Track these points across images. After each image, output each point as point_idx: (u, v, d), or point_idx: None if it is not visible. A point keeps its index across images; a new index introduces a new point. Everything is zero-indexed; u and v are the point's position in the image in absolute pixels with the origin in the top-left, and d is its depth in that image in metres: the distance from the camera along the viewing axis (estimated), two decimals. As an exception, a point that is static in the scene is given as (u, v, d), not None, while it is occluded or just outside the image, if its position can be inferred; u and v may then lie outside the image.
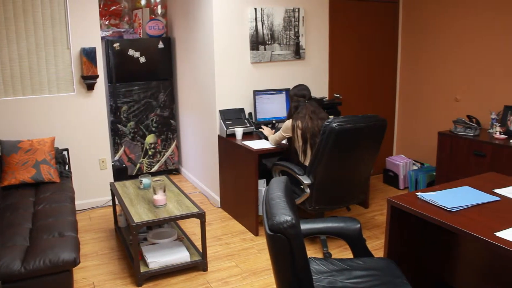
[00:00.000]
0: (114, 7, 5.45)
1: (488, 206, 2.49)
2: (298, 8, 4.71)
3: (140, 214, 3.33)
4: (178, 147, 5.86)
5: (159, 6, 5.65)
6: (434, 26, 5.08)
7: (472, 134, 4.24)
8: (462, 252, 2.79)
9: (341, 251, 3.77)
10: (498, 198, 2.59)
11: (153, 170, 5.70)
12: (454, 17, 4.84)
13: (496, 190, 2.72)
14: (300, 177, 3.56)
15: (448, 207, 2.42)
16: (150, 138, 5.59)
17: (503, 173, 3.46)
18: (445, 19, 4.94)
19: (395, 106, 5.74)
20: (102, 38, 5.18)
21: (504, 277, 2.55)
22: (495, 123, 4.26)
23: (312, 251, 3.79)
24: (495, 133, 4.17)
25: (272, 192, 1.95)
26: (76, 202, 4.57)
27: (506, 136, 4.10)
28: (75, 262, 2.76)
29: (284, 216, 1.71)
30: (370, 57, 5.43)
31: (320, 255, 3.71)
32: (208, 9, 4.41)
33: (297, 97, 3.80)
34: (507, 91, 4.40)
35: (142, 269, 3.30)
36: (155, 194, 3.48)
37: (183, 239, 3.78)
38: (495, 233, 2.13)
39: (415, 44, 5.36)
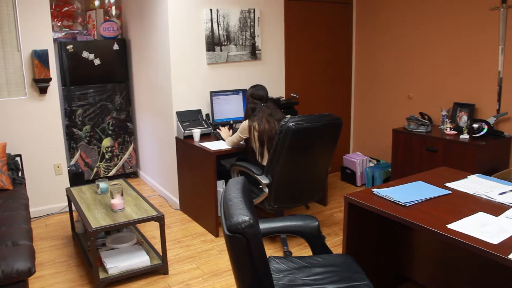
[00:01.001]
0: (66, 8, 5.33)
1: (440, 199, 2.58)
2: (254, 9, 4.74)
3: (97, 219, 3.28)
4: (135, 150, 5.78)
5: (114, 7, 5.55)
6: (387, 26, 5.21)
7: (424, 131, 4.38)
8: (417, 245, 2.88)
9: (302, 249, 3.81)
10: (449, 192, 2.69)
11: (110, 174, 5.60)
12: (405, 17, 4.98)
13: (448, 184, 2.82)
14: (258, 177, 3.58)
15: (403, 202, 2.49)
16: (106, 142, 5.50)
17: (454, 167, 3.59)
18: (397, 20, 5.08)
19: (350, 105, 5.86)
20: (55, 40, 5.05)
21: (457, 266, 2.65)
22: (445, 120, 4.41)
23: (273, 250, 3.82)
24: (446, 129, 4.32)
25: (229, 192, 1.96)
26: (31, 209, 4.44)
27: (456, 132, 4.25)
28: (30, 271, 2.68)
29: (242, 216, 1.72)
30: (326, 57, 5.52)
31: (280, 254, 3.75)
32: (163, 10, 4.38)
33: (254, 98, 3.82)
34: (456, 88, 4.57)
35: (102, 275, 3.24)
36: (112, 198, 3.43)
37: (143, 243, 3.74)
38: (447, 225, 2.21)
39: (369, 44, 5.49)
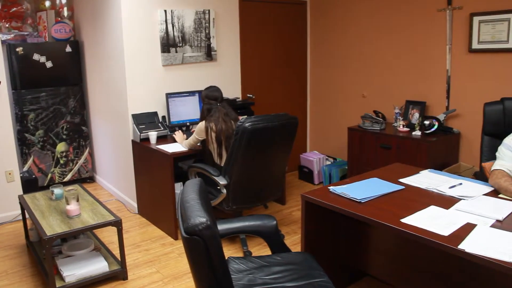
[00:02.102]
0: (14, 9, 5.16)
1: (394, 195, 2.65)
2: (209, 10, 4.73)
3: (52, 226, 3.20)
4: (91, 154, 5.67)
5: (65, 8, 5.42)
6: (340, 26, 5.30)
7: (378, 128, 4.49)
8: (374, 240, 2.94)
9: (261, 249, 3.84)
10: (403, 187, 2.77)
11: (66, 179, 5.47)
12: (358, 18, 5.09)
13: (401, 180, 2.91)
14: (216, 178, 3.59)
15: (358, 198, 2.55)
16: (61, 147, 5.36)
17: (407, 163, 3.69)
18: (350, 20, 5.18)
19: (306, 104, 5.93)
20: (3, 42, 4.89)
21: (413, 260, 2.73)
22: (398, 117, 4.53)
23: (233, 251, 3.83)
24: (399, 126, 4.44)
25: (186, 194, 1.95)
26: (-19, 219, 4.29)
27: (408, 129, 4.38)
28: (-19, 283, 2.60)
29: (199, 218, 1.72)
30: (281, 57, 5.57)
31: (240, 254, 3.76)
32: (116, 11, 4.31)
33: (209, 99, 3.82)
34: (408, 87, 4.70)
35: (58, 284, 3.16)
36: (68, 204, 3.35)
37: (101, 249, 3.67)
38: (400, 220, 2.28)
39: (323, 44, 5.57)
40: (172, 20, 4.50)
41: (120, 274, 3.41)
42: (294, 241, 3.97)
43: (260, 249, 3.83)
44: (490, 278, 2.33)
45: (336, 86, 5.50)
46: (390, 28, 4.77)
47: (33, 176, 4.93)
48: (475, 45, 4.11)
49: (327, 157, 5.57)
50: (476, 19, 4.06)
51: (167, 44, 4.52)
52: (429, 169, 3.14)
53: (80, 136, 5.50)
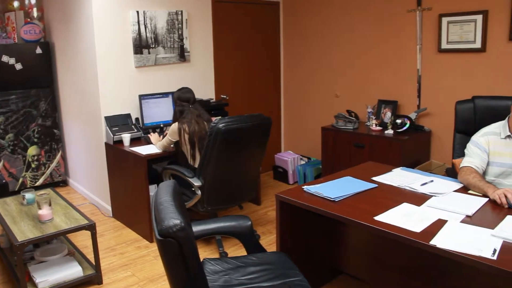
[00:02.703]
0: (-19, 11, 5.05)
1: (368, 193, 2.69)
2: (181, 11, 4.71)
3: (24, 231, 3.14)
4: (64, 157, 5.58)
5: (35, 9, 5.32)
6: (313, 27, 5.35)
7: (352, 128, 4.54)
8: (348, 238, 2.98)
9: (237, 249, 3.84)
10: (376, 185, 2.81)
11: (38, 184, 5.37)
12: (330, 18, 5.14)
13: (374, 178, 2.95)
14: (190, 179, 3.57)
15: (332, 197, 2.58)
16: (32, 150, 5.26)
17: (380, 161, 3.74)
18: (323, 20, 5.22)
19: (280, 104, 5.96)
20: (-30, 45, 4.79)
21: (386, 256, 2.77)
22: (371, 116, 4.59)
23: (208, 252, 3.82)
24: (372, 126, 4.50)
25: (160, 197, 1.94)
26: (-50, 225, 4.17)
27: (381, 128, 4.44)
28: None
29: (173, 220, 1.72)
30: (255, 57, 5.58)
31: (216, 255, 3.75)
32: (87, 12, 4.26)
33: (181, 100, 3.81)
34: (380, 86, 4.77)
35: (30, 290, 3.11)
36: (40, 209, 3.30)
37: (74, 253, 3.61)
38: (374, 218, 2.31)
39: (297, 44, 5.61)
40: (144, 21, 4.47)
41: (95, 278, 3.37)
42: (269, 241, 3.98)
43: (236, 249, 3.83)
44: (461, 272, 2.38)
45: (310, 86, 5.54)
46: (362, 28, 4.83)
47: (4, 181, 4.82)
48: (444, 45, 4.19)
49: (301, 156, 5.61)
50: (444, 20, 4.14)
51: (140, 46, 4.48)
52: (401, 167, 3.19)
53: (52, 139, 5.41)
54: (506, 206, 2.37)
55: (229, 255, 3.73)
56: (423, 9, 4.29)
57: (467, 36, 4.03)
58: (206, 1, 4.97)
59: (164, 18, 4.60)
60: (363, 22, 4.81)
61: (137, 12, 4.40)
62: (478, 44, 3.97)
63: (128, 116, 4.45)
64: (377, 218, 2.31)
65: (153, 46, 4.58)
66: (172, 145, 3.89)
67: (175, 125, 3.74)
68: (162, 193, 1.99)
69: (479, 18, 3.92)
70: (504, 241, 2.00)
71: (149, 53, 4.55)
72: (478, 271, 2.29)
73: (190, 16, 4.83)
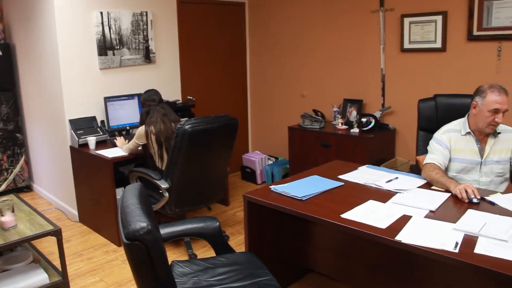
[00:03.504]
0: None
1: (334, 191, 2.73)
2: (146, 12, 4.67)
3: (-14, 239, 3.05)
4: (27, 162, 5.45)
5: (-7, 11, 5.18)
6: (279, 26, 5.38)
7: (318, 127, 4.58)
8: (316, 236, 3.01)
9: (207, 250, 3.83)
10: (342, 183, 2.84)
11: (0, 190, 5.23)
12: (295, 19, 5.18)
13: (340, 176, 2.99)
14: (157, 182, 3.55)
15: (299, 196, 2.60)
16: (-7, 155, 5.13)
17: (346, 160, 3.79)
18: (288, 21, 5.26)
19: (247, 105, 5.97)
20: None
21: (354, 253, 2.81)
22: (337, 115, 4.65)
23: (178, 255, 3.80)
24: (338, 125, 4.56)
25: (126, 200, 1.92)
26: None
27: (347, 127, 4.51)
28: None
29: (140, 223, 1.70)
30: (221, 58, 5.58)
31: (186, 257, 3.73)
32: (49, 13, 4.17)
33: (148, 102, 3.78)
34: (345, 85, 4.83)
35: (-6, 300, 3.03)
36: (2, 215, 3.21)
37: (40, 260, 3.53)
38: (340, 215, 2.34)
39: (262, 44, 5.63)
40: (108, 22, 4.41)
41: (62, 285, 3.30)
42: (239, 242, 3.99)
43: (206, 251, 3.82)
44: (427, 266, 2.44)
45: (276, 86, 5.57)
46: (327, 29, 4.89)
47: (-36, 188, 4.69)
48: (406, 45, 4.28)
49: (269, 156, 5.63)
50: (406, 20, 4.23)
51: (104, 47, 4.42)
52: (367, 165, 3.24)
53: (15, 143, 5.27)
54: (466, 201, 2.44)
55: (198, 257, 3.72)
56: (385, 10, 4.37)
57: (428, 36, 4.12)
58: (171, 2, 4.94)
59: (128, 19, 4.54)
60: (328, 23, 4.87)
61: (101, 13, 4.34)
62: (438, 44, 4.07)
63: (93, 118, 4.38)
64: (343, 215, 2.34)
65: (118, 47, 4.52)
66: (139, 148, 3.85)
67: (141, 128, 3.70)
68: (128, 196, 1.97)
69: (439, 18, 4.02)
70: (465, 234, 2.06)
71: (113, 54, 4.49)
72: (442, 264, 2.34)
73: (155, 17, 4.79)
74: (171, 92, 5.03)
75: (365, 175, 3.00)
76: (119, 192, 4.04)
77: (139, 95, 4.54)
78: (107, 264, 3.70)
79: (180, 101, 5.01)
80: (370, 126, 4.30)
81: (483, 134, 2.83)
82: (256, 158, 5.46)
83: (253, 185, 5.47)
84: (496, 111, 2.67)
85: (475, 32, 3.84)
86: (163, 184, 3.53)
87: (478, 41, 3.85)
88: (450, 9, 3.96)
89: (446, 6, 3.98)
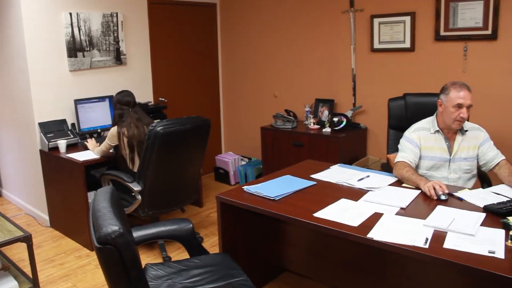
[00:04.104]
0: None
1: (307, 190, 2.75)
2: (116, 13, 4.62)
3: (-48, 246, 2.98)
4: (-5, 167, 5.33)
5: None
6: (250, 27, 5.39)
7: (290, 127, 4.61)
8: (290, 236, 3.02)
9: (181, 253, 3.81)
10: (315, 183, 2.87)
11: (-33, 195, 5.11)
12: (267, 19, 5.20)
13: (313, 175, 3.01)
14: (130, 184, 3.51)
15: (272, 196, 2.61)
16: (-41, 161, 5.00)
17: (319, 159, 3.82)
18: (259, 21, 5.28)
19: (220, 106, 5.97)
20: None
21: (327, 252, 2.83)
22: (309, 115, 4.69)
23: (152, 257, 3.77)
24: (310, 124, 4.59)
25: (97, 203, 1.90)
26: None
27: (319, 126, 4.54)
28: None
29: (111, 226, 1.69)
30: (193, 60, 5.56)
31: (160, 260, 3.71)
32: (16, 14, 4.08)
33: (121, 104, 3.73)
34: (317, 85, 4.88)
35: (-38, 308, 2.96)
36: (-31, 222, 3.14)
37: (10, 267, 3.46)
38: (313, 214, 2.36)
39: (234, 45, 5.63)
40: (78, 23, 4.35)
41: (33, 291, 3.25)
42: (213, 243, 3.98)
43: (180, 253, 3.80)
44: (400, 262, 2.48)
45: (248, 87, 5.58)
46: (299, 29, 4.92)
47: None
48: (376, 45, 4.34)
49: (242, 157, 5.64)
50: (376, 21, 4.29)
51: (74, 49, 4.35)
52: (339, 164, 3.28)
53: (-18, 148, 5.15)
54: (435, 198, 2.49)
55: (173, 259, 3.70)
56: (356, 10, 4.43)
57: (397, 36, 4.19)
58: (142, 3, 4.89)
59: (98, 20, 4.49)
60: (300, 23, 4.91)
61: (70, 14, 4.27)
62: (407, 44, 4.14)
63: (63, 121, 4.31)
64: (316, 214, 2.36)
65: (88, 49, 4.46)
66: (111, 150, 3.81)
67: (114, 129, 3.67)
68: (99, 199, 1.95)
69: (407, 19, 4.09)
70: (435, 230, 2.10)
71: (83, 56, 4.43)
72: (414, 260, 2.39)
73: (126, 18, 4.74)
74: (143, 93, 4.98)
75: (337, 174, 3.03)
76: (91, 195, 3.98)
77: (110, 97, 4.48)
78: (79, 269, 3.65)
79: (152, 103, 4.97)
80: (341, 126, 4.34)
81: (451, 132, 2.90)
82: (229, 159, 5.46)
83: (227, 186, 5.46)
84: (460, 106, 2.74)
85: (442, 33, 3.92)
86: (136, 187, 3.50)
87: (445, 41, 3.94)
88: (418, 10, 4.04)
89: (414, 7, 4.05)
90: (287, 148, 4.57)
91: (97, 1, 4.49)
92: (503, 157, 2.86)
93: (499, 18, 3.63)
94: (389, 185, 2.78)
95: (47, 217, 4.46)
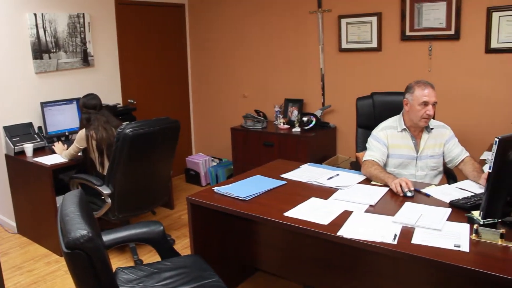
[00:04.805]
0: None
1: (277, 190, 2.76)
2: (83, 14, 4.55)
3: None
4: (-41, 172, 5.17)
5: None
6: (219, 28, 5.39)
7: (260, 127, 4.63)
8: (261, 235, 3.03)
9: (153, 255, 3.77)
10: (285, 182, 2.89)
11: None
12: (235, 19, 5.21)
13: (283, 175, 3.03)
14: (99, 188, 3.46)
15: (242, 196, 2.62)
16: None
17: (289, 158, 3.85)
18: (228, 22, 5.28)
19: (189, 107, 5.94)
20: None
21: (299, 250, 2.85)
22: (279, 115, 4.72)
23: (123, 261, 3.73)
24: (280, 124, 4.62)
25: (65, 208, 1.87)
26: None
27: (289, 126, 4.58)
28: None
29: (80, 230, 1.66)
30: (162, 61, 5.52)
31: (131, 264, 3.67)
32: (-23, 16, 3.98)
33: (87, 108, 3.68)
34: (286, 85, 4.91)
35: None
36: None
37: (-25, 275, 3.37)
38: (284, 214, 2.38)
39: (203, 46, 5.62)
40: (43, 24, 4.26)
41: (0, 299, 3.17)
42: (185, 245, 3.96)
43: (152, 256, 3.77)
44: (370, 259, 2.51)
45: (218, 88, 5.58)
46: (267, 30, 4.95)
47: None
48: (344, 45, 4.40)
49: (212, 158, 5.63)
50: (343, 21, 4.35)
51: (40, 50, 4.27)
52: (309, 163, 3.31)
53: None
54: (401, 195, 2.54)
55: (144, 262, 3.66)
56: (323, 11, 4.47)
57: (364, 37, 4.26)
58: (109, 4, 4.83)
59: (64, 21, 4.41)
60: (268, 24, 4.93)
61: (35, 14, 4.19)
62: (374, 44, 4.22)
63: (29, 125, 4.22)
64: (286, 214, 2.38)
65: (54, 50, 4.38)
66: (80, 153, 3.75)
67: (82, 132, 3.61)
68: (67, 204, 1.92)
69: (374, 19, 4.16)
70: (403, 226, 2.15)
71: (49, 58, 4.35)
72: (384, 256, 2.42)
73: (93, 19, 4.67)
74: (111, 95, 4.92)
75: (307, 173, 3.06)
76: (59, 200, 3.90)
77: (77, 100, 4.40)
78: (48, 275, 3.58)
79: (121, 105, 4.91)
80: (311, 125, 4.38)
81: (418, 130, 2.96)
82: (200, 160, 5.45)
83: (198, 187, 5.44)
84: (425, 104, 2.81)
85: (408, 33, 4.00)
86: (105, 190, 3.46)
87: (410, 41, 4.02)
88: (384, 10, 4.11)
89: (381, 7, 4.12)
90: (257, 148, 4.59)
91: (63, 2, 4.41)
92: (468, 154, 2.94)
93: (461, 19, 3.73)
94: (358, 183, 2.81)
95: (14, 223, 4.36)
